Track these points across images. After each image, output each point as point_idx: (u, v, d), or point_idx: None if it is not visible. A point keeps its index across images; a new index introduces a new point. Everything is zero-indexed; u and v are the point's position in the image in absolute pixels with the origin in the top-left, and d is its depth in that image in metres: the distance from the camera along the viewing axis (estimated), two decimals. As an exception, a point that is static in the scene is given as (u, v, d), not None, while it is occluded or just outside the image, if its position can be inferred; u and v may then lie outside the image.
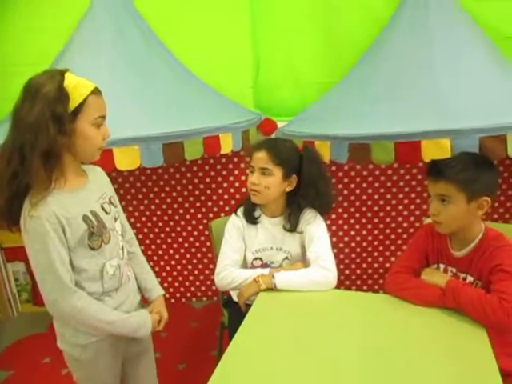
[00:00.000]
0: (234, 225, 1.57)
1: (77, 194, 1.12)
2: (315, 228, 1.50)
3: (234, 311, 1.66)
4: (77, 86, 1.05)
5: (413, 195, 2.48)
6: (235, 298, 1.66)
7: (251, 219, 1.56)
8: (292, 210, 1.52)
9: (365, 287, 2.68)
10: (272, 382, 1.00)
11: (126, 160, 1.76)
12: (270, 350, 1.12)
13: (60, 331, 1.20)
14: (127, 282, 1.26)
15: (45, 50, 2.16)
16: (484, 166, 1.26)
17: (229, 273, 1.48)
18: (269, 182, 1.46)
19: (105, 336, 1.19)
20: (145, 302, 1.39)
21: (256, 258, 1.56)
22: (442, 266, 1.36)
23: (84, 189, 1.15)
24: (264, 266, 1.56)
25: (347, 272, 2.65)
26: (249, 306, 1.37)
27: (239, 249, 1.54)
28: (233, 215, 1.60)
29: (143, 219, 2.61)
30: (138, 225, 2.61)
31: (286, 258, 1.56)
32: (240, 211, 1.59)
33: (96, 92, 1.09)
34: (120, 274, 1.22)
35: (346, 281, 2.67)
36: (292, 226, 1.52)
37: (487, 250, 1.26)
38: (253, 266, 1.57)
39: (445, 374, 1.00)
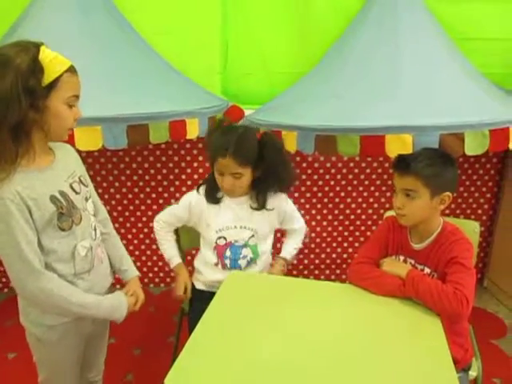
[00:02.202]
0: (189, 200, 1.59)
1: (44, 173, 1.07)
2: (290, 206, 1.64)
3: (195, 298, 1.65)
4: (52, 61, 1.00)
5: (372, 188, 2.55)
6: (198, 286, 1.66)
7: (213, 199, 1.55)
8: (259, 190, 1.54)
9: (322, 277, 2.74)
10: (237, 366, 1.01)
11: (86, 140, 1.69)
12: (236, 334, 1.12)
13: (25, 309, 1.16)
14: (100, 264, 1.22)
15: (1, 16, 2.03)
16: (447, 162, 1.30)
17: (161, 236, 1.68)
18: (241, 182, 1.48)
19: (72, 318, 1.16)
20: (118, 283, 1.37)
21: (220, 237, 1.56)
22: (401, 258, 1.40)
23: (51, 168, 1.10)
24: (228, 244, 1.56)
25: (306, 262, 2.69)
26: (213, 293, 1.37)
27: (179, 218, 1.64)
28: (194, 192, 1.60)
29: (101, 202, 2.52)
30: (96, 208, 2.52)
31: (253, 235, 1.57)
32: (202, 190, 1.58)
33: (72, 70, 1.04)
34: (92, 255, 1.18)
35: (304, 270, 2.72)
36: (260, 204, 1.54)
37: (444, 243, 1.31)
38: (217, 245, 1.57)
39: (401, 361, 1.03)
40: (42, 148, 1.07)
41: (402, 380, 0.98)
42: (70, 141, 1.62)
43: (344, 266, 2.70)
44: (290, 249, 1.72)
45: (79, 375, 1.30)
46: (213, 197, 1.55)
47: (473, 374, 1.39)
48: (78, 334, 1.21)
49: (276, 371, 0.99)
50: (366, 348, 1.08)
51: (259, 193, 1.54)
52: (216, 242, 1.57)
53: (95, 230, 1.22)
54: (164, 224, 1.66)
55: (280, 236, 1.82)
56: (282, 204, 1.60)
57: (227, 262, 1.57)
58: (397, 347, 1.09)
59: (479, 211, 2.62)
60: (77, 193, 1.15)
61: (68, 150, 1.21)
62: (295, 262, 2.67)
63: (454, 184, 1.32)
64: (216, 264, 1.59)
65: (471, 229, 1.58)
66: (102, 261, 1.24)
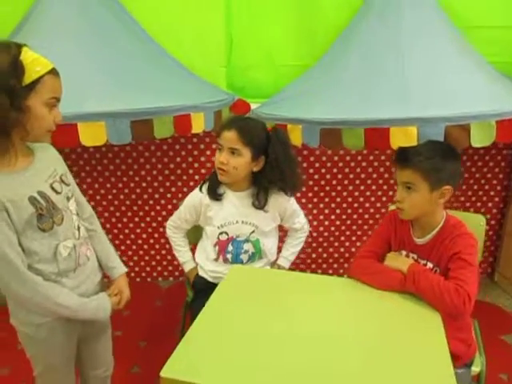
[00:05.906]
0: (193, 200, 1.61)
1: (23, 175, 1.06)
2: (291, 205, 1.63)
3: (198, 290, 1.67)
4: (34, 62, 1.00)
5: (380, 181, 2.52)
6: (201, 273, 1.67)
7: (215, 196, 1.56)
8: (259, 188, 1.54)
9: (330, 271, 2.73)
10: (235, 358, 1.01)
11: (91, 136, 1.70)
12: (235, 326, 1.13)
13: (14, 309, 1.17)
14: (86, 262, 1.22)
15: (4, 20, 2.01)
16: (449, 155, 1.28)
17: (174, 242, 1.71)
18: (237, 162, 1.46)
19: (54, 317, 1.17)
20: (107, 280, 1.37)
21: (222, 232, 1.57)
22: (404, 253, 1.39)
23: (30, 168, 1.09)
24: (230, 239, 1.58)
25: (314, 256, 2.69)
26: (215, 284, 1.37)
27: (187, 221, 1.66)
28: (196, 190, 1.61)
29: (110, 197, 2.56)
30: (104, 203, 2.56)
31: (253, 231, 1.57)
32: (204, 188, 1.59)
33: (53, 72, 1.05)
34: (76, 254, 1.18)
35: (312, 264, 2.71)
36: (260, 203, 1.54)
37: (447, 237, 1.29)
38: (219, 241, 1.58)
39: (398, 355, 1.03)
40: (20, 149, 1.07)
41: (399, 374, 0.97)
42: (74, 136, 1.66)
43: (352, 260, 2.68)
44: (288, 253, 1.74)
45: (73, 370, 1.32)
46: (215, 193, 1.56)
47: (475, 369, 1.37)
48: (66, 331, 1.21)
49: (274, 363, 1.00)
50: (365, 342, 1.08)
51: (260, 190, 1.53)
52: (218, 238, 1.58)
53: (79, 229, 1.21)
54: (175, 229, 1.70)
55: (282, 235, 1.81)
56: (284, 202, 1.59)
57: (229, 256, 1.58)
58: (395, 341, 1.08)
59: (489, 204, 2.57)
60: (58, 193, 1.14)
61: (49, 150, 1.20)
62: (303, 255, 2.67)
63: (455, 178, 1.30)
64: (215, 259, 1.60)
65: (477, 222, 1.56)
66: (88, 258, 1.24)
